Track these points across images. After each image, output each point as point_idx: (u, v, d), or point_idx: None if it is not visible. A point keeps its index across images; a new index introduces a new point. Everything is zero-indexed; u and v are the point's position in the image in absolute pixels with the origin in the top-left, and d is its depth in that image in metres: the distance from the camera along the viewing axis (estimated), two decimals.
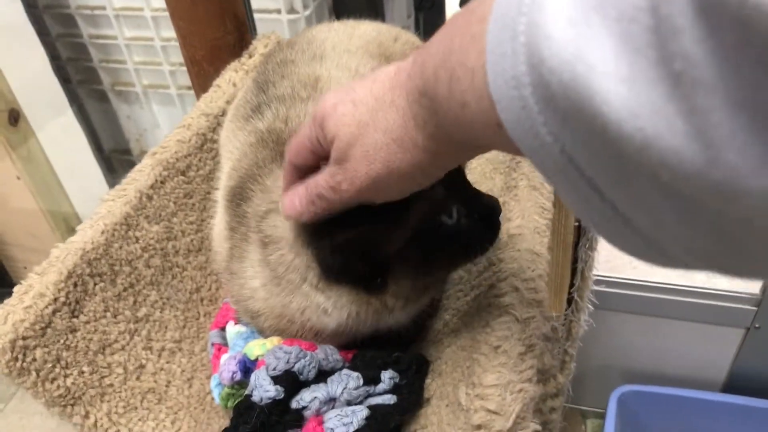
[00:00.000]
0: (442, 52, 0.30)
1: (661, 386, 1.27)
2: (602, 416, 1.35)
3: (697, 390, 1.25)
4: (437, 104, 0.31)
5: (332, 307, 0.49)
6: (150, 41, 1.53)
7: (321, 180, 0.40)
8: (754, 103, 0.18)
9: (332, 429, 0.46)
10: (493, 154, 0.72)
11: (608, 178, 0.23)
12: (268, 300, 0.51)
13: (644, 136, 0.20)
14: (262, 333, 0.55)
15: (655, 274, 1.20)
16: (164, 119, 1.69)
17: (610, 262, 1.21)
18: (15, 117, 1.51)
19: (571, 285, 0.88)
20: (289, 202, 0.43)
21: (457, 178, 0.47)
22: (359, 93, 0.37)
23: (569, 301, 0.90)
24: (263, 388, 0.47)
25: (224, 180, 0.60)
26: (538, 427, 0.41)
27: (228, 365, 0.51)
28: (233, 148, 0.61)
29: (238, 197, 0.54)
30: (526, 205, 0.56)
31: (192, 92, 1.41)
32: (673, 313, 1.21)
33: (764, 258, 0.22)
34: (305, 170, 0.44)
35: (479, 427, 0.41)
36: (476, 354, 0.45)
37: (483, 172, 0.71)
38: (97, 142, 1.77)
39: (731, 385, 1.29)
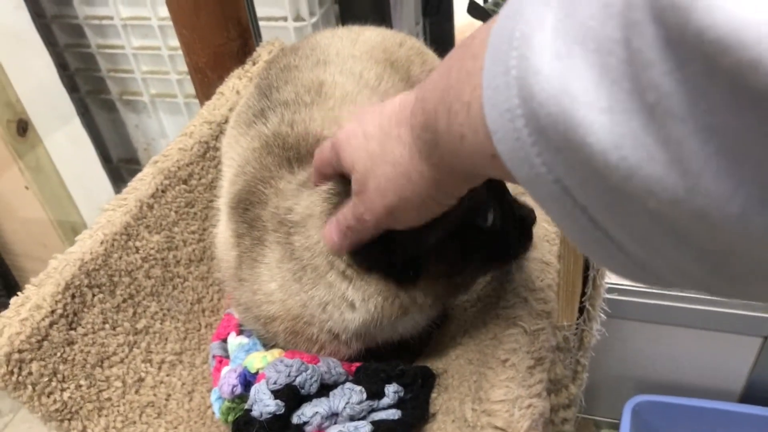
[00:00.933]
0: (441, 88, 0.32)
1: (676, 396, 1.25)
2: (616, 427, 1.32)
3: (714, 400, 1.22)
4: (438, 137, 0.33)
5: (360, 300, 0.47)
6: (157, 50, 1.53)
7: (347, 212, 0.43)
8: (721, 131, 0.18)
9: None
10: None
11: (600, 207, 0.24)
12: (286, 301, 0.50)
13: (628, 165, 0.21)
14: (273, 340, 0.53)
15: None
16: (172, 128, 1.69)
17: None
18: (23, 127, 1.51)
19: (583, 294, 0.86)
20: (327, 235, 0.46)
21: (497, 184, 0.47)
22: (369, 126, 0.40)
23: (581, 310, 0.88)
24: (263, 403, 0.46)
25: (227, 187, 0.59)
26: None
27: (228, 378, 0.50)
28: (235, 155, 0.60)
29: (246, 202, 0.53)
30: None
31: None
32: (689, 322, 1.18)
33: (752, 281, 0.22)
34: (330, 177, 0.48)
35: None
36: (483, 368, 0.43)
37: None
38: (105, 152, 1.77)
39: (749, 395, 1.25)
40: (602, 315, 0.92)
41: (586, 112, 0.21)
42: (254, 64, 0.81)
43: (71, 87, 1.63)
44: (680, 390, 1.27)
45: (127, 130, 1.77)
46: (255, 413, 0.46)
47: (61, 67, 1.60)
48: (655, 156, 0.20)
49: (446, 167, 0.34)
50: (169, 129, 1.70)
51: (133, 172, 0.65)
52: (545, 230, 0.52)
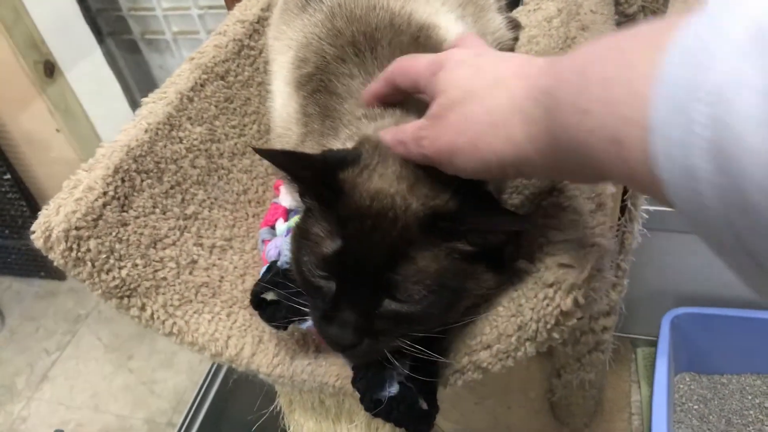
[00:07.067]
0: (590, 78, 0.28)
1: (716, 307, 1.23)
2: (653, 344, 1.32)
3: (755, 309, 1.21)
4: (558, 109, 0.30)
5: None
6: None
7: (409, 129, 0.41)
8: None
9: None
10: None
11: None
12: None
13: None
14: None
15: None
16: None
17: None
18: (50, 69, 1.51)
19: (625, 192, 0.85)
20: (382, 138, 0.44)
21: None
22: (486, 63, 0.37)
23: (622, 210, 0.87)
24: (286, 256, 0.48)
25: (290, 67, 0.57)
26: (615, 280, 0.39)
27: (274, 242, 0.52)
28: (293, 35, 0.58)
29: (319, 83, 0.52)
30: None
31: None
32: None
33: None
34: (397, 89, 0.45)
35: (552, 284, 0.39)
36: (543, 218, 0.43)
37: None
38: (130, 95, 1.77)
39: None
40: (644, 215, 0.90)
41: None
42: None
43: (95, 29, 1.63)
44: (719, 301, 1.25)
45: (151, 71, 1.76)
46: (279, 263, 0.48)
47: (83, 8, 1.59)
48: None
49: (546, 145, 0.32)
50: None
51: None
52: None
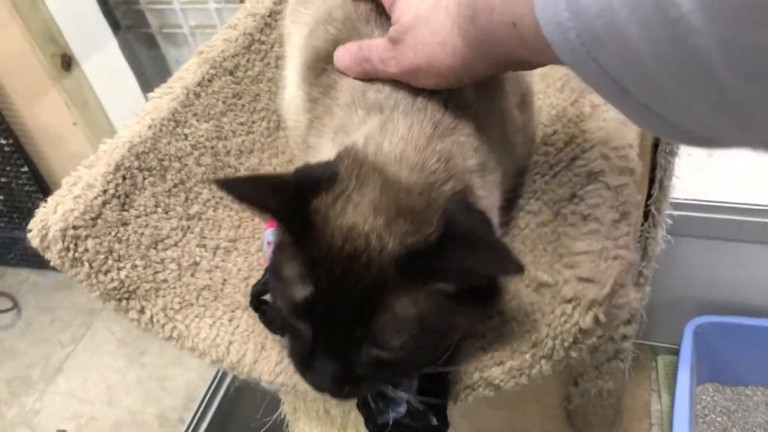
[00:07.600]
0: None
1: (740, 316, 1.19)
2: (675, 352, 1.28)
3: None
4: (476, 13, 0.36)
5: None
6: None
7: (374, 48, 0.45)
8: None
9: None
10: None
11: (627, 80, 0.28)
12: None
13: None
14: None
15: (735, 195, 1.11)
16: None
17: (690, 181, 1.12)
18: (68, 62, 1.51)
19: (648, 196, 0.81)
20: (342, 54, 0.47)
21: None
22: None
23: (645, 216, 0.83)
24: None
25: (299, 55, 0.55)
26: (638, 295, 0.36)
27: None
28: (312, 13, 0.57)
29: (324, 62, 0.50)
30: None
31: None
32: (755, 237, 1.11)
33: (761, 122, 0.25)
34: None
35: (571, 300, 0.36)
36: (562, 226, 0.40)
37: None
38: (148, 89, 1.76)
39: None
40: (668, 220, 0.87)
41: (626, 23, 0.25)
42: None
43: (113, 23, 1.62)
44: (745, 310, 1.21)
45: (169, 65, 1.76)
46: None
47: (101, 1, 1.58)
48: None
49: (477, 48, 0.38)
50: None
51: None
52: None
